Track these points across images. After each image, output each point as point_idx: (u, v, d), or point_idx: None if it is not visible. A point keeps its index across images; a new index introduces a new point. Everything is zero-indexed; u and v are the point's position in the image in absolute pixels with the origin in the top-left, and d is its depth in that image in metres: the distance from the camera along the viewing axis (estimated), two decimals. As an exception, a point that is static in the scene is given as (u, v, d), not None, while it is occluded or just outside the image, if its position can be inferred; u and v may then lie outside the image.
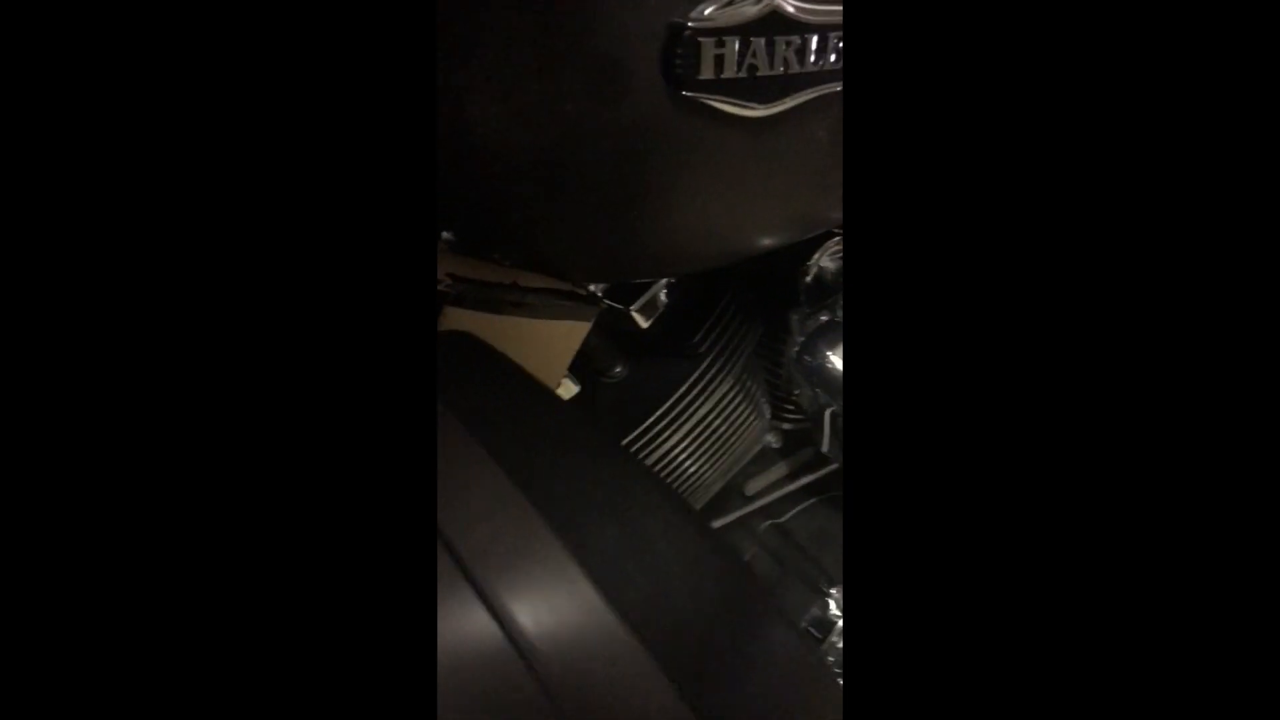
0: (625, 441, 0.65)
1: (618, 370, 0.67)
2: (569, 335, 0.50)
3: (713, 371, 0.67)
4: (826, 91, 0.42)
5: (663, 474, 0.68)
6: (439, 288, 0.41)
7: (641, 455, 0.66)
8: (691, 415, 0.68)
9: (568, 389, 0.61)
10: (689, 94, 0.40)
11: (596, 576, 0.24)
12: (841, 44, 0.41)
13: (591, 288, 0.65)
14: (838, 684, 0.27)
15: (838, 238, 0.67)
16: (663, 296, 0.66)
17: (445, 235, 0.59)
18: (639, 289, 0.65)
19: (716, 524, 0.76)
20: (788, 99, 0.42)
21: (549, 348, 0.48)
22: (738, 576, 0.28)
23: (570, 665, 0.23)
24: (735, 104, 0.41)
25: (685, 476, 0.70)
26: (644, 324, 0.65)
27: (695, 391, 0.67)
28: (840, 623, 0.68)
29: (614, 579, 0.25)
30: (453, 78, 0.39)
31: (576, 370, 0.64)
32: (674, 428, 0.66)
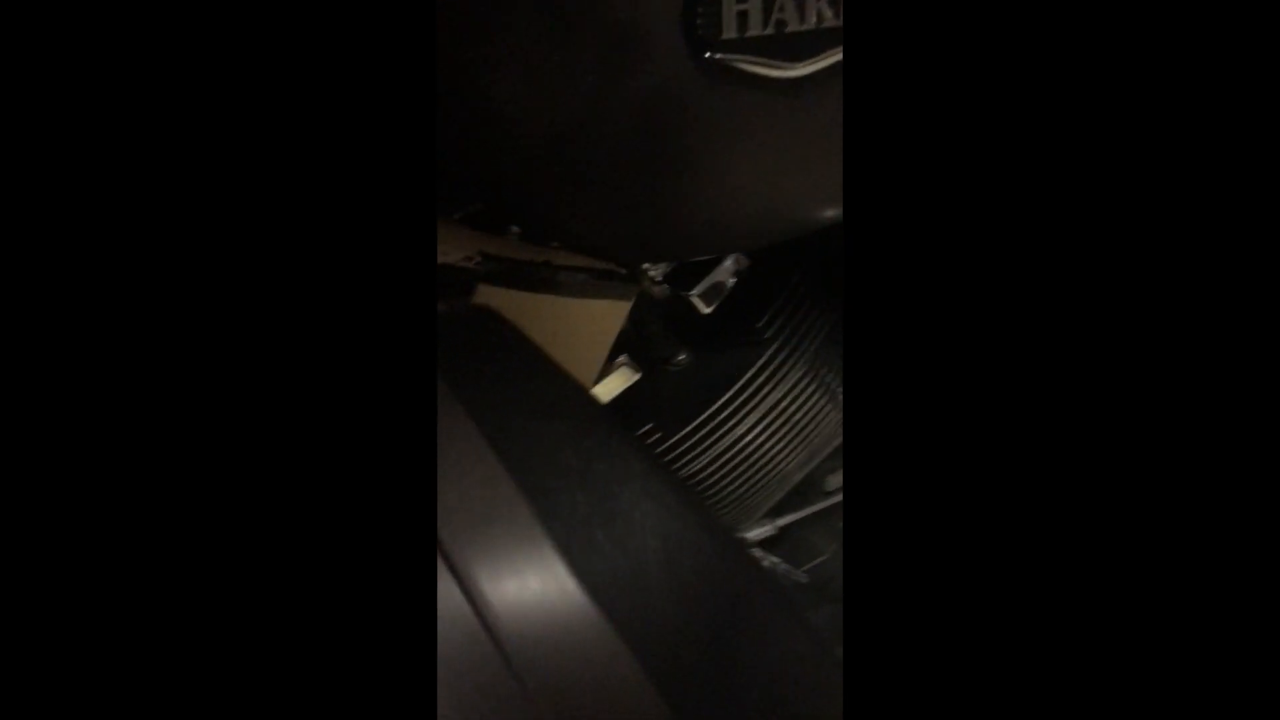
0: (689, 429, 0.63)
1: (681, 358, 0.66)
2: (608, 315, 0.49)
3: (780, 358, 0.65)
4: (866, 47, 0.40)
5: (733, 461, 0.66)
6: (470, 265, 0.41)
7: (709, 441, 0.64)
8: (761, 402, 0.65)
9: (626, 375, 0.60)
10: (713, 56, 0.38)
11: (562, 543, 0.23)
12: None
13: (650, 271, 0.64)
14: (838, 672, 0.25)
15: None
16: (729, 281, 0.64)
17: (514, 229, 0.59)
18: (700, 273, 0.64)
19: (793, 517, 0.74)
20: (823, 56, 0.40)
21: (588, 328, 0.48)
22: (725, 553, 0.26)
23: (527, 632, 0.22)
24: (765, 64, 0.39)
25: (758, 465, 0.68)
26: (705, 309, 0.63)
27: (762, 379, 0.64)
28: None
29: (581, 546, 0.24)
30: (473, 57, 0.39)
31: (638, 358, 0.63)
32: (741, 415, 0.64)
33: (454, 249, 0.41)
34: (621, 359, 0.62)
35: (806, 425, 0.69)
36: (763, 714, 0.24)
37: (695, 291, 0.63)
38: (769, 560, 0.70)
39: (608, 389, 0.61)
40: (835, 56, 0.40)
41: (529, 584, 0.23)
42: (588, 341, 0.49)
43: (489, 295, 0.40)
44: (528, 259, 0.44)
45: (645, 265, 0.63)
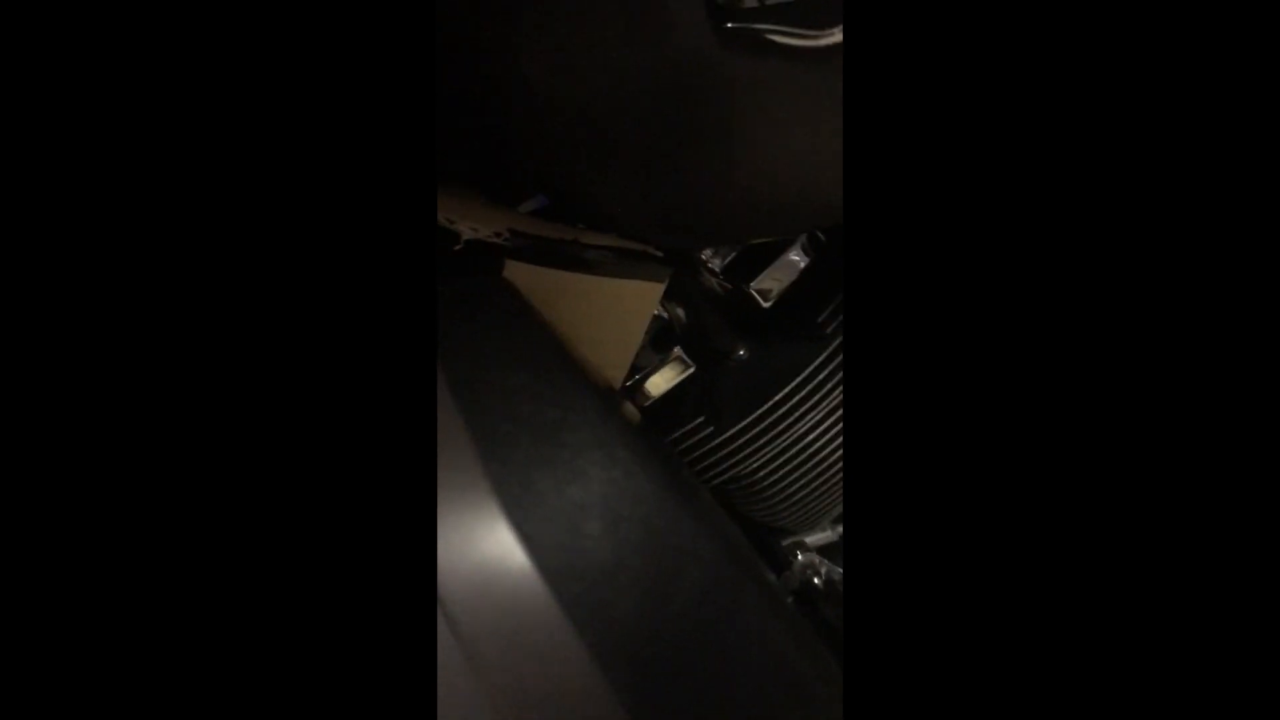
0: (743, 425, 0.62)
1: (740, 353, 0.64)
2: (641, 296, 0.48)
3: (844, 354, 0.63)
4: (900, 12, 0.38)
5: (793, 461, 0.64)
6: (498, 240, 0.42)
7: (765, 439, 0.63)
8: (823, 400, 0.63)
9: (678, 369, 0.60)
10: (735, 26, 0.38)
11: (500, 486, 0.23)
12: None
13: (709, 263, 0.63)
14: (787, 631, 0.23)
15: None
16: (790, 273, 0.63)
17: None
18: (761, 266, 0.62)
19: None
20: (850, 23, 0.38)
21: (619, 308, 0.47)
22: (668, 506, 0.25)
23: (457, 575, 0.21)
24: (789, 33, 0.38)
25: (820, 466, 0.65)
26: (765, 303, 0.62)
27: (824, 375, 0.62)
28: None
29: (518, 490, 0.23)
30: (500, 36, 0.40)
31: (692, 351, 0.62)
32: (800, 412, 0.62)
33: (483, 224, 0.42)
34: (675, 351, 0.61)
35: (876, 428, 0.66)
36: (694, 664, 0.23)
37: (755, 284, 0.62)
38: (827, 569, 0.67)
39: (660, 382, 0.61)
40: (866, 23, 0.38)
41: (463, 523, 0.23)
42: (619, 322, 0.49)
43: (516, 271, 0.40)
44: (556, 236, 0.44)
45: (703, 257, 0.63)
